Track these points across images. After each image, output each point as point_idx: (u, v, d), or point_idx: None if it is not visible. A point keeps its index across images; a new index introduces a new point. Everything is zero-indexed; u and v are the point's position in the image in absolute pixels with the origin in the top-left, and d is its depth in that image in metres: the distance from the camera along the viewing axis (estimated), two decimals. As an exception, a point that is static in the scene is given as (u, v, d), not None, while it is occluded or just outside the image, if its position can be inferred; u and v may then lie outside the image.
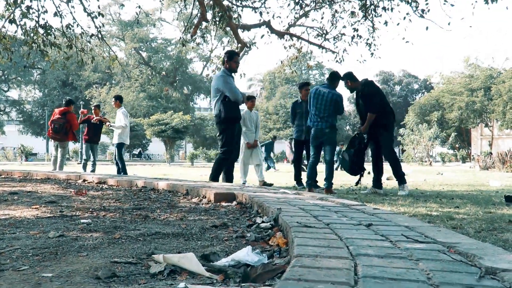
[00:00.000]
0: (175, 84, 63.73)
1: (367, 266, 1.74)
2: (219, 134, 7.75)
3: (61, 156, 12.00)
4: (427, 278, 1.59)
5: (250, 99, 10.25)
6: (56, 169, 11.69)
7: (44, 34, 10.23)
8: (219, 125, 7.67)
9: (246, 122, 9.98)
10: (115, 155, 12.23)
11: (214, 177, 7.71)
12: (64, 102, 12.41)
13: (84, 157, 12.91)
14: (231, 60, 7.76)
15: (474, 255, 1.93)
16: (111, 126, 12.29)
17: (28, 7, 9.69)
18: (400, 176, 7.74)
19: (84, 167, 12.74)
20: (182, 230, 3.13)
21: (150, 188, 6.43)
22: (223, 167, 7.89)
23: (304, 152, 9.74)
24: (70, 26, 10.42)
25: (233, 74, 7.86)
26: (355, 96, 8.35)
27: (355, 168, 8.18)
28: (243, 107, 9.40)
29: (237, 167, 9.54)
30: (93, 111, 12.89)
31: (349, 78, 8.03)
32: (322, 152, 8.17)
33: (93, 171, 12.22)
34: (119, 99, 12.37)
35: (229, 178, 8.11)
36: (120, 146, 11.96)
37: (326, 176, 7.79)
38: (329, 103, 7.80)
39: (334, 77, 8.19)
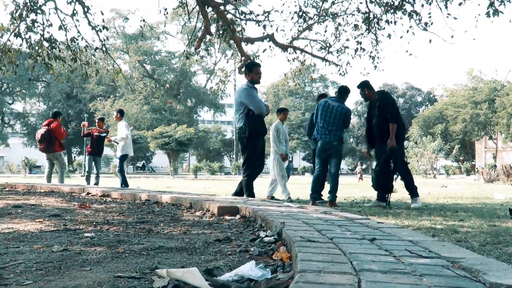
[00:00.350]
0: (179, 96, 63.89)
1: (370, 281, 1.73)
2: (243, 148, 7.62)
3: (60, 169, 12.03)
4: (431, 294, 1.58)
5: (282, 112, 10.05)
6: (48, 182, 11.70)
7: (49, 48, 10.30)
8: (243, 140, 7.55)
9: (279, 134, 9.68)
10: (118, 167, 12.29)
11: (249, 194, 7.54)
12: (51, 115, 12.47)
13: (87, 169, 12.93)
14: (252, 72, 7.63)
15: (478, 270, 1.92)
16: (113, 141, 12.33)
17: (33, 21, 9.76)
18: (412, 189, 7.68)
19: (88, 179, 12.75)
20: (186, 244, 3.13)
21: (154, 201, 6.43)
22: (252, 182, 7.71)
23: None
24: (74, 39, 10.49)
25: (256, 85, 7.74)
26: (367, 107, 8.29)
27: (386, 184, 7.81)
28: (267, 118, 9.15)
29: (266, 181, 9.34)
30: (96, 124, 12.93)
31: (367, 86, 8.02)
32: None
33: (96, 183, 12.23)
34: (120, 113, 12.42)
35: (240, 193, 7.93)
36: (123, 157, 11.99)
37: (330, 189, 7.75)
38: (338, 117, 7.81)
39: (344, 91, 8.19)
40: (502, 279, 1.77)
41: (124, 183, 11.79)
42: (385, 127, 7.67)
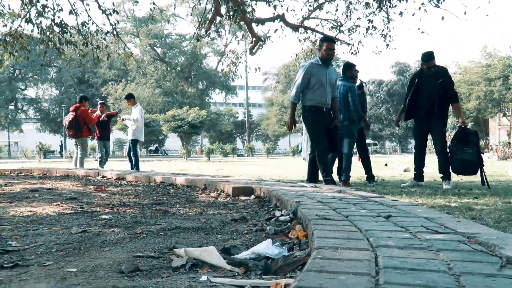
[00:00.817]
0: (190, 79, 63.82)
1: (387, 257, 1.75)
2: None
3: (80, 153, 12.10)
4: (448, 268, 1.59)
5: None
6: (76, 166, 11.79)
7: (60, 32, 10.31)
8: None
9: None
10: (128, 151, 12.33)
11: (324, 173, 6.80)
12: (77, 100, 12.49)
13: (99, 154, 13.02)
14: (321, 48, 6.90)
15: (494, 245, 1.93)
16: (124, 118, 12.37)
17: (44, 6, 9.76)
18: (446, 171, 7.45)
19: (101, 163, 12.85)
20: (202, 224, 3.16)
21: (168, 184, 6.48)
22: (322, 161, 6.78)
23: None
24: (85, 23, 10.49)
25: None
26: (416, 76, 7.80)
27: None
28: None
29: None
30: (99, 108, 12.94)
31: (433, 58, 7.64)
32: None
33: (104, 162, 12.40)
34: (131, 97, 12.44)
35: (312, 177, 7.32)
36: (134, 142, 12.03)
37: (343, 169, 7.73)
38: (341, 96, 7.71)
39: (345, 67, 8.08)
40: (519, 253, 1.78)
41: (137, 167, 11.86)
42: (444, 103, 7.40)
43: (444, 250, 1.88)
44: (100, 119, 12.51)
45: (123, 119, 12.57)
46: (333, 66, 7.13)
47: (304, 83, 6.69)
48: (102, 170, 9.38)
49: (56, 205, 4.29)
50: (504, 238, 2.08)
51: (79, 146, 12.08)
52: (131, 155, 12.15)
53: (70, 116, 11.78)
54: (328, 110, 6.89)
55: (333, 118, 6.99)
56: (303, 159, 8.98)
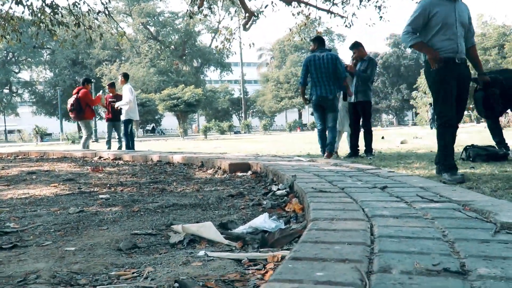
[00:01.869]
0: (184, 57, 63.46)
1: (382, 226, 1.76)
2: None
3: (84, 135, 12.10)
4: (443, 235, 1.61)
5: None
6: (84, 148, 11.77)
7: (51, 14, 10.22)
8: None
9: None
10: (124, 131, 12.29)
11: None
12: (81, 82, 12.41)
13: (107, 135, 13.00)
14: None
15: (489, 211, 1.94)
16: (119, 106, 12.31)
17: (34, -13, 9.67)
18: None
19: (108, 143, 12.83)
20: (199, 200, 3.17)
21: (165, 162, 6.48)
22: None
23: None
24: (76, 4, 10.39)
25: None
26: None
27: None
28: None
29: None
30: (108, 90, 12.89)
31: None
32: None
33: (119, 147, 12.35)
34: (125, 77, 12.35)
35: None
36: (127, 122, 11.99)
37: (328, 141, 7.74)
38: (329, 66, 7.70)
39: (317, 39, 8.19)
40: (513, 218, 1.79)
41: (129, 147, 11.84)
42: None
43: (439, 218, 1.90)
44: (109, 101, 12.45)
45: (117, 108, 12.52)
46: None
47: (419, 22, 4.87)
48: (99, 150, 9.36)
49: (54, 186, 4.30)
50: (498, 205, 2.09)
51: (82, 129, 12.07)
52: (122, 134, 12.13)
53: (72, 98, 11.76)
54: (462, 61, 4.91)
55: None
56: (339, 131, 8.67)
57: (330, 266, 1.28)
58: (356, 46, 8.32)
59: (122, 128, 12.18)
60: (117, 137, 12.76)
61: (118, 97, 12.51)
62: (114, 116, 12.51)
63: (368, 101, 8.13)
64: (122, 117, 12.09)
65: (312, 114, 8.58)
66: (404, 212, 2.02)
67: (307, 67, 7.75)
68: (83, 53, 60.00)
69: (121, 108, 12.16)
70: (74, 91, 12.04)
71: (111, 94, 12.58)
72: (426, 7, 4.81)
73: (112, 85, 12.95)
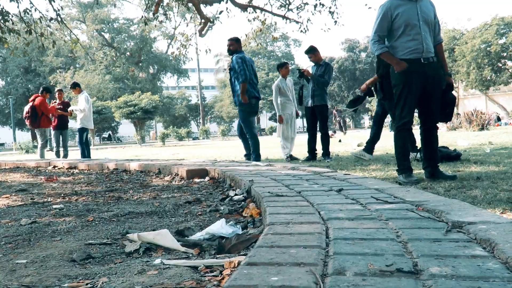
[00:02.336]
0: (140, 64, 62.82)
1: (338, 229, 1.77)
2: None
3: (39, 144, 11.86)
4: (396, 236, 1.63)
5: (283, 66, 9.11)
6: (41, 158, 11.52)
7: (1, 21, 9.96)
8: None
9: (282, 93, 8.87)
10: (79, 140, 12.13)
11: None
12: (42, 91, 12.10)
13: (54, 144, 12.73)
14: None
15: (441, 211, 1.98)
16: (73, 110, 12.10)
17: (-18, -6, 9.41)
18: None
19: (57, 154, 12.57)
20: (156, 208, 3.13)
21: (122, 170, 6.40)
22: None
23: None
24: (27, 10, 10.16)
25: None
26: None
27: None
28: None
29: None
30: (56, 95, 12.63)
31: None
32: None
33: (65, 156, 12.11)
34: (76, 86, 12.14)
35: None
36: (82, 130, 11.82)
37: (253, 149, 7.90)
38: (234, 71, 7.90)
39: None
40: (464, 217, 1.84)
41: (85, 155, 11.66)
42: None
43: (393, 219, 1.93)
44: (57, 108, 12.21)
45: (71, 112, 12.29)
46: None
47: (383, 27, 4.84)
48: (53, 160, 9.17)
49: (6, 197, 4.18)
50: (450, 204, 2.14)
51: (38, 136, 11.84)
52: (79, 143, 11.97)
53: (28, 106, 11.54)
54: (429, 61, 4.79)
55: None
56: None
57: (285, 270, 1.28)
58: (312, 51, 8.43)
59: (77, 137, 12.00)
60: (62, 145, 12.52)
61: (65, 104, 12.30)
62: (60, 124, 12.30)
63: (325, 104, 8.26)
64: (77, 125, 11.90)
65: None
66: (359, 214, 2.05)
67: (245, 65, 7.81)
68: (36, 61, 58.74)
69: (69, 116, 11.99)
70: (31, 98, 11.80)
71: (58, 101, 12.34)
72: (387, 10, 4.79)
73: (61, 91, 12.71)
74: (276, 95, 8.84)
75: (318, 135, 8.36)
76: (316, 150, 8.31)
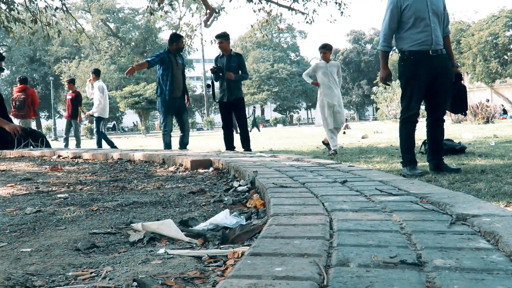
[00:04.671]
0: (145, 54, 62.79)
1: (342, 220, 1.77)
2: None
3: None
4: (400, 228, 1.63)
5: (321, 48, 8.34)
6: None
7: (7, 10, 9.97)
8: None
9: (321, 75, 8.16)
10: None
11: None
12: (19, 80, 11.99)
13: (64, 133, 12.83)
14: None
15: (445, 203, 1.98)
16: (91, 114, 12.19)
17: (-12, -18, 9.42)
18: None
19: (66, 141, 12.65)
20: (160, 198, 3.14)
21: (126, 160, 6.40)
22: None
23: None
24: (33, 0, 10.17)
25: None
26: None
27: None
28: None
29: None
30: (67, 87, 12.67)
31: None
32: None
33: (77, 146, 12.23)
34: (96, 73, 12.18)
35: None
36: (98, 120, 11.92)
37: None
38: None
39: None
40: (468, 209, 1.83)
41: (101, 144, 11.76)
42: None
43: (397, 211, 1.93)
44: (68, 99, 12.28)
45: (90, 115, 12.40)
46: None
47: (394, 19, 4.83)
48: (58, 149, 9.20)
49: (10, 186, 4.19)
50: (454, 197, 2.13)
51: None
52: (96, 132, 12.09)
53: (21, 97, 11.48)
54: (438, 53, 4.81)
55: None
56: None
57: (289, 261, 1.28)
58: (224, 37, 8.38)
59: (94, 125, 12.15)
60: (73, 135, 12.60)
61: (78, 95, 12.33)
62: (70, 114, 12.36)
63: (242, 98, 8.33)
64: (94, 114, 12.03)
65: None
66: (363, 206, 2.04)
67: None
68: (41, 50, 58.85)
69: (76, 106, 12.06)
70: (17, 88, 11.73)
71: (70, 91, 12.37)
72: (397, 2, 4.78)
73: (71, 82, 12.73)
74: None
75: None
76: (235, 147, 8.33)
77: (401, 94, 4.92)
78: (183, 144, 8.36)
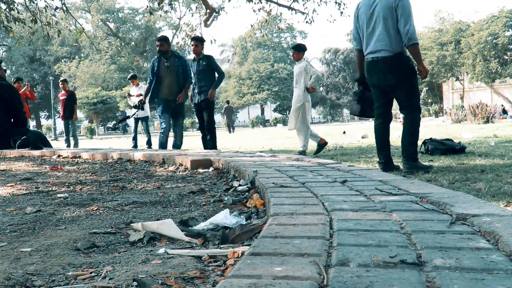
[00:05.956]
0: (145, 54, 62.85)
1: (342, 220, 1.78)
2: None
3: None
4: (400, 228, 1.63)
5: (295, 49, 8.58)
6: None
7: (7, 10, 9.97)
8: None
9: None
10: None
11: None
12: (15, 80, 11.97)
13: (65, 134, 12.89)
14: None
15: (445, 203, 1.98)
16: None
17: (-12, -18, 9.42)
18: None
19: (67, 142, 12.69)
20: (160, 198, 3.14)
21: (126, 160, 6.41)
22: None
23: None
24: (33, 0, 10.17)
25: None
26: None
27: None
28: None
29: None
30: (61, 86, 12.66)
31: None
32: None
33: (75, 145, 12.25)
34: (135, 78, 12.67)
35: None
36: (146, 119, 12.49)
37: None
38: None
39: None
40: (468, 209, 1.83)
41: (151, 144, 12.13)
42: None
43: (397, 210, 1.93)
44: (62, 98, 12.32)
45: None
46: None
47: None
48: (58, 149, 9.20)
49: (10, 186, 4.19)
50: (454, 196, 2.13)
51: None
52: (145, 131, 13.31)
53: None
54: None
55: None
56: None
57: (289, 261, 1.28)
58: (199, 40, 8.51)
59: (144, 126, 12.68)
60: (71, 135, 12.65)
61: (72, 94, 12.38)
62: (67, 114, 12.40)
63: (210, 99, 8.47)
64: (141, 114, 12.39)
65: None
66: (363, 206, 2.05)
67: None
68: (40, 50, 58.88)
69: (72, 106, 12.15)
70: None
71: (63, 91, 12.39)
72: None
73: (64, 81, 12.76)
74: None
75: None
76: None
77: (414, 91, 5.31)
78: (176, 146, 8.45)
